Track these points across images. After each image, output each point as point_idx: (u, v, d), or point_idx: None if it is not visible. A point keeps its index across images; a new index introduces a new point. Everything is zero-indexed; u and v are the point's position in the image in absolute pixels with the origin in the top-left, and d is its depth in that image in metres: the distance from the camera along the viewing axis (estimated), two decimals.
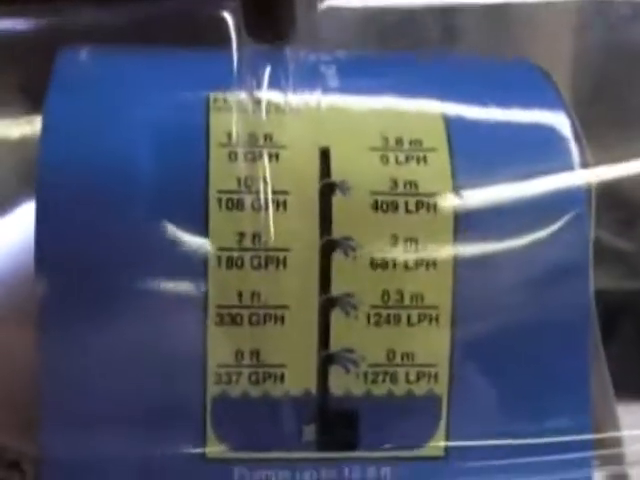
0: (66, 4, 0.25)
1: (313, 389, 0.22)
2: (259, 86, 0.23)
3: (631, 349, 0.30)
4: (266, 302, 0.22)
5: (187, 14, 0.25)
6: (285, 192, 0.22)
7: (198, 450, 0.22)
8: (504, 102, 0.24)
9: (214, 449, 0.22)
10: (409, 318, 0.22)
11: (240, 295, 0.22)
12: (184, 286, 0.22)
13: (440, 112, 0.23)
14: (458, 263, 0.22)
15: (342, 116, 0.23)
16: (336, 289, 0.22)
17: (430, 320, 0.22)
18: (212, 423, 0.22)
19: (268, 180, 0.22)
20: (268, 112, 0.23)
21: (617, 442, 0.23)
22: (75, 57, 0.24)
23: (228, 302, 0.22)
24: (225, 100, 0.23)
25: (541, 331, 0.23)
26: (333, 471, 0.22)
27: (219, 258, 0.22)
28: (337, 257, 0.22)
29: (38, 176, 0.22)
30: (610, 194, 0.24)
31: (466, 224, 0.22)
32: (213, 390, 0.22)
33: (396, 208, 0.22)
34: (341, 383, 0.22)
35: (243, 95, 0.23)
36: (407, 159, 0.22)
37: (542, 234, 0.23)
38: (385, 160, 0.22)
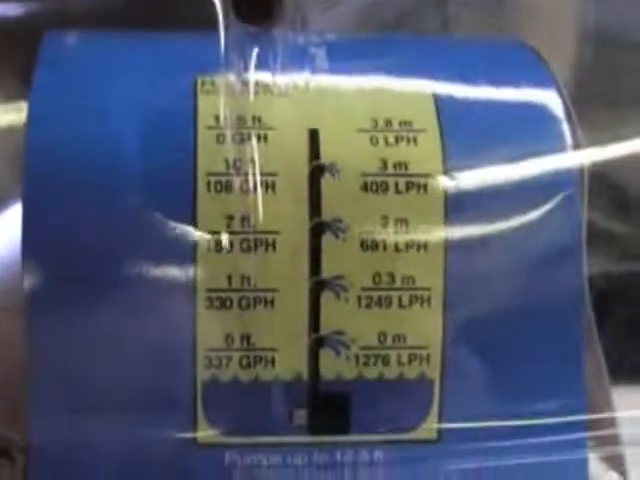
0: None
1: (304, 373, 0.22)
2: (247, 68, 0.23)
3: (624, 332, 0.29)
4: (256, 285, 0.21)
5: None
6: (274, 174, 0.22)
7: (189, 435, 0.22)
8: (495, 82, 0.24)
9: (205, 434, 0.22)
10: (400, 300, 0.22)
11: (229, 279, 0.21)
12: (173, 270, 0.21)
13: (430, 92, 0.23)
14: (449, 245, 0.22)
15: (331, 97, 0.23)
16: (326, 271, 0.22)
17: (422, 302, 0.22)
18: (203, 408, 0.22)
19: (257, 162, 0.22)
20: (256, 94, 0.22)
21: (612, 423, 0.23)
22: (61, 41, 0.24)
23: (217, 286, 0.21)
24: (213, 82, 0.22)
25: (533, 313, 0.22)
26: (325, 455, 0.22)
27: (208, 241, 0.21)
28: (327, 239, 0.22)
29: (24, 162, 0.22)
30: (602, 176, 0.24)
31: (457, 205, 0.22)
32: (203, 374, 0.22)
33: (386, 189, 0.22)
34: (332, 366, 0.22)
35: (231, 77, 0.23)
36: (397, 140, 0.22)
37: (534, 216, 0.22)
38: (375, 141, 0.22)
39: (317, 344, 0.22)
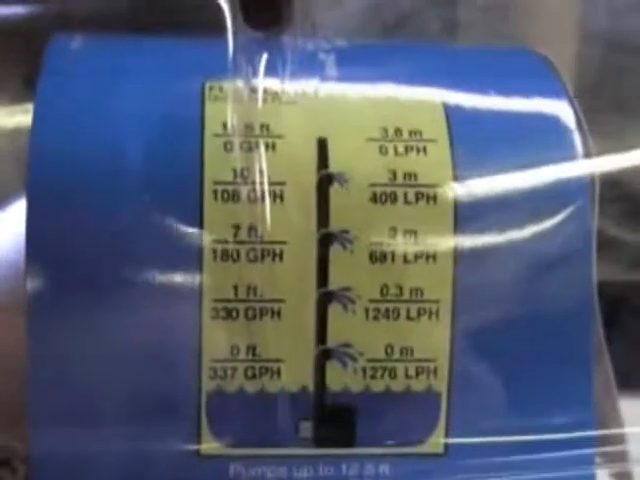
0: None
1: (310, 385, 0.21)
2: (255, 74, 0.22)
3: (634, 341, 0.29)
4: (262, 296, 0.21)
5: (182, 1, 0.25)
6: (282, 183, 0.21)
7: (193, 446, 0.21)
8: (506, 91, 0.23)
9: (209, 445, 0.21)
10: (408, 312, 0.22)
11: (236, 289, 0.21)
12: (179, 280, 0.21)
13: (440, 102, 0.23)
14: (458, 256, 0.22)
15: (340, 106, 0.22)
16: (334, 283, 0.21)
17: (430, 314, 0.22)
18: (207, 419, 0.21)
19: (264, 171, 0.21)
20: (265, 101, 0.22)
21: (620, 439, 0.23)
22: (66, 45, 0.23)
23: (224, 296, 0.21)
24: (221, 89, 0.22)
25: (542, 326, 0.22)
26: (330, 468, 0.22)
27: (214, 251, 0.21)
28: (335, 250, 0.21)
29: (29, 166, 0.21)
30: (613, 185, 0.23)
31: (466, 216, 0.22)
32: (208, 385, 0.21)
33: (395, 200, 0.21)
34: (339, 378, 0.21)
35: (239, 84, 0.22)
36: (406, 150, 0.22)
37: (544, 226, 0.22)
38: (384, 151, 0.22)
39: (324, 356, 0.21)
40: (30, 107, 0.22)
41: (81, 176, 0.21)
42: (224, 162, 0.21)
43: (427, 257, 0.22)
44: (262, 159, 0.21)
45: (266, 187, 0.21)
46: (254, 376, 0.21)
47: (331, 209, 0.21)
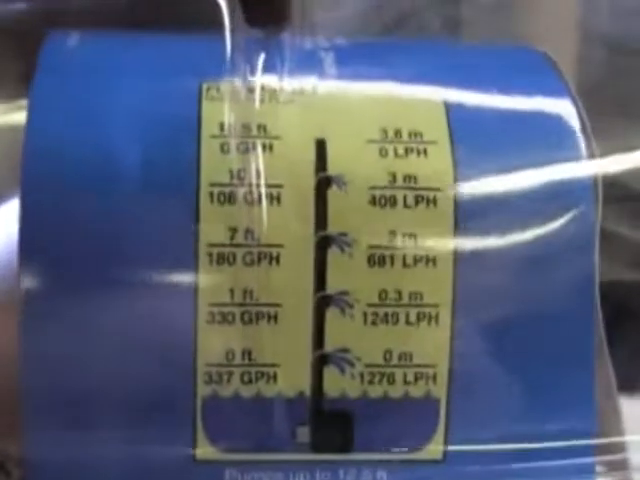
0: None
1: (307, 390, 0.21)
2: (253, 74, 0.22)
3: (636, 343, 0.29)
4: (258, 300, 0.21)
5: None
6: (279, 185, 0.21)
7: (188, 452, 0.21)
8: (508, 91, 0.23)
9: (204, 450, 0.21)
10: (407, 317, 0.21)
11: (232, 292, 0.21)
12: (173, 283, 0.21)
13: (441, 101, 0.22)
14: (459, 260, 0.21)
15: (339, 106, 0.22)
16: (331, 287, 0.21)
17: (429, 319, 0.21)
18: (202, 424, 0.21)
19: (262, 173, 0.21)
20: (262, 101, 0.22)
21: (621, 447, 0.22)
22: (62, 43, 0.23)
23: (219, 300, 0.21)
24: (218, 89, 0.22)
25: (544, 330, 0.22)
26: (327, 474, 0.22)
27: (210, 254, 0.21)
28: (333, 253, 0.21)
29: (22, 165, 0.21)
30: (617, 186, 0.23)
31: (467, 219, 0.21)
32: (203, 390, 0.21)
33: (394, 203, 0.21)
34: (336, 384, 0.21)
35: (236, 83, 0.22)
36: (407, 152, 0.21)
37: (546, 228, 0.22)
38: (384, 153, 0.21)
39: (321, 361, 0.21)
40: (21, 105, 0.22)
41: (75, 176, 0.21)
42: (221, 164, 0.21)
43: (427, 261, 0.21)
44: (259, 161, 0.21)
45: (263, 189, 0.21)
46: (250, 381, 0.21)
47: (329, 212, 0.21)
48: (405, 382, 0.21)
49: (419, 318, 0.21)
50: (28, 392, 0.21)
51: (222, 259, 0.21)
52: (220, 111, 0.21)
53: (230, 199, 0.21)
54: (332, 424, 0.21)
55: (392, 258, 0.21)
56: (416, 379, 0.21)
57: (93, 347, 0.21)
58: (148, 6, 0.25)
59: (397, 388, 0.21)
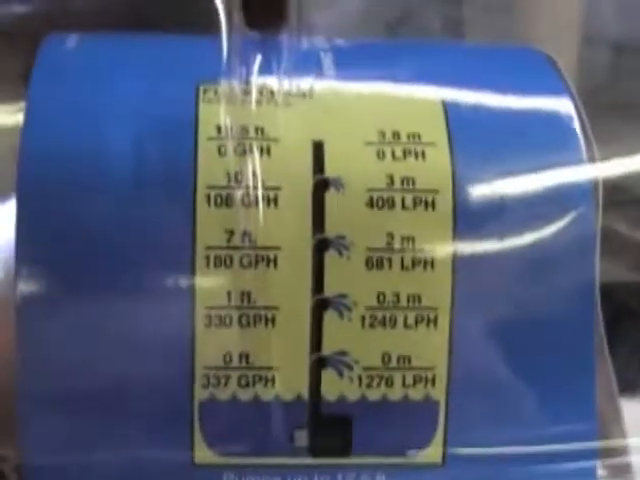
0: None
1: (305, 393, 0.21)
2: (250, 76, 0.22)
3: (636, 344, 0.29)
4: (256, 302, 0.21)
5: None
6: (276, 188, 0.21)
7: (185, 455, 0.21)
8: (507, 92, 0.23)
9: (202, 454, 0.21)
10: (406, 320, 0.21)
11: (229, 295, 0.21)
12: (171, 286, 0.21)
13: (440, 102, 0.22)
14: (457, 262, 0.21)
15: (337, 108, 0.22)
16: (329, 290, 0.21)
17: (428, 322, 0.21)
18: (200, 427, 0.21)
19: (259, 175, 0.21)
20: (259, 103, 0.22)
21: (623, 450, 0.22)
22: (60, 44, 0.23)
23: (216, 302, 0.21)
24: (215, 91, 0.22)
25: (542, 333, 0.22)
26: (326, 478, 0.21)
27: (207, 257, 0.21)
28: (330, 256, 0.21)
29: (19, 165, 0.21)
30: (618, 188, 0.23)
31: (465, 222, 0.21)
32: (201, 393, 0.21)
33: (392, 205, 0.21)
34: (334, 387, 0.21)
35: (234, 85, 0.22)
36: (404, 154, 0.21)
37: (546, 231, 0.22)
38: (382, 155, 0.21)
39: (319, 364, 0.21)
40: (21, 106, 0.22)
41: (72, 178, 0.21)
42: (218, 166, 0.21)
43: (425, 264, 0.21)
44: (256, 163, 0.21)
45: (260, 192, 0.21)
46: (248, 384, 0.21)
47: (327, 214, 0.21)
48: (404, 385, 0.21)
49: (417, 321, 0.21)
50: (25, 396, 0.21)
51: (219, 262, 0.21)
52: (217, 113, 0.21)
53: (227, 202, 0.21)
54: (330, 428, 0.21)
55: (390, 261, 0.21)
56: (415, 382, 0.21)
57: (90, 351, 0.21)
58: (148, 7, 0.25)
59: (396, 391, 0.21)
